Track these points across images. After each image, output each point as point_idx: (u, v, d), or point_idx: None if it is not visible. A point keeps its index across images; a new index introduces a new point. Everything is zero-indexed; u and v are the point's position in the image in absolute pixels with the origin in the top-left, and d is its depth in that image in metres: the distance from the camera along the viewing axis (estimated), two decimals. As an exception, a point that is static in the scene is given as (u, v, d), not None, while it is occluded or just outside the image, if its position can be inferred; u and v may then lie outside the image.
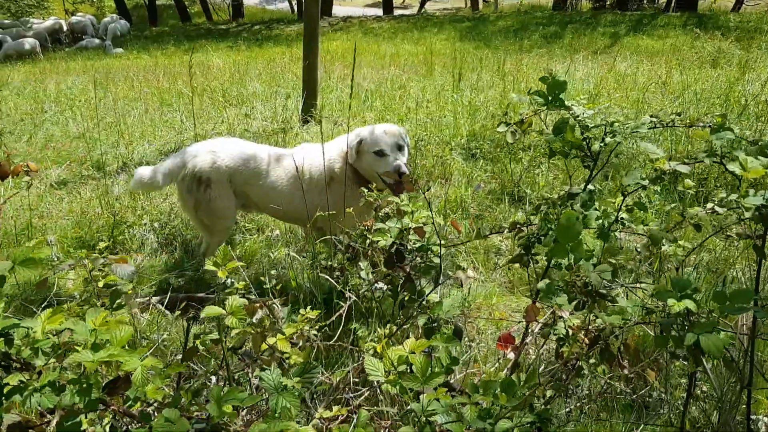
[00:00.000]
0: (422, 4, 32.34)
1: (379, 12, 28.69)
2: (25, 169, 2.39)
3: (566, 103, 2.20)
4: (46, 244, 4.73)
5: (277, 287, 2.98)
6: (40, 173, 6.71)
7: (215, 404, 1.61)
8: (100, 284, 2.19)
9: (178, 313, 3.54)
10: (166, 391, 2.03)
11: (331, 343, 2.58)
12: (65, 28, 22.16)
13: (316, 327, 2.27)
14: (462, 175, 5.81)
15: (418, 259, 2.36)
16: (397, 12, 29.41)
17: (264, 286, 2.99)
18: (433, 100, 8.69)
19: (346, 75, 11.36)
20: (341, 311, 2.61)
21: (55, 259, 4.67)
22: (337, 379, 2.26)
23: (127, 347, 1.67)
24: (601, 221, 1.93)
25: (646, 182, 1.89)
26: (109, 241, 4.83)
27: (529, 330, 2.20)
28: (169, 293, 3.86)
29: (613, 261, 1.90)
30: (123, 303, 2.13)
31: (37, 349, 1.60)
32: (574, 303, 1.87)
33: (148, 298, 3.91)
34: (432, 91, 9.33)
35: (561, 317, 2.03)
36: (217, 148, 4.00)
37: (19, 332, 1.61)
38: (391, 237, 2.34)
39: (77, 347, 1.62)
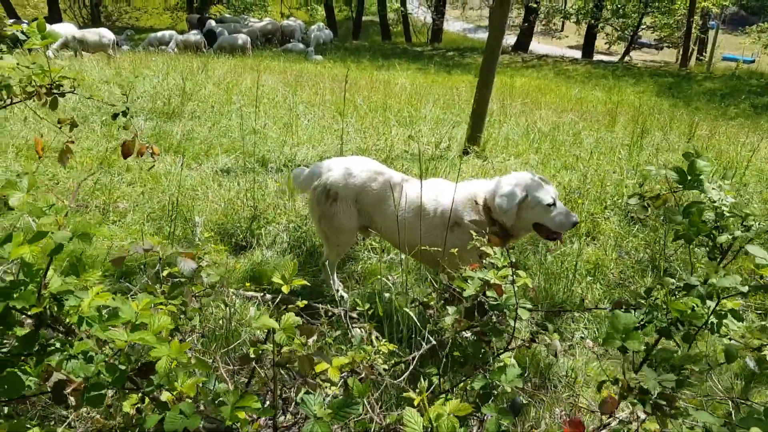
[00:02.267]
0: (626, 53, 31.00)
1: (580, 54, 27.94)
2: (150, 150, 2.51)
3: (706, 185, 1.91)
4: (192, 226, 5.03)
5: (370, 311, 2.92)
6: (210, 158, 7.25)
7: (229, 408, 1.57)
8: (165, 273, 2.24)
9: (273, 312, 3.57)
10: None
11: (397, 381, 2.45)
12: (278, 30, 23.97)
13: (390, 362, 2.15)
14: (611, 238, 5.39)
15: (493, 317, 2.16)
16: (597, 57, 28.44)
17: (358, 308, 2.94)
18: (605, 153, 8.21)
19: (522, 112, 11.12)
20: (417, 353, 2.47)
21: (197, 240, 4.98)
22: (387, 421, 2.12)
23: (163, 335, 1.68)
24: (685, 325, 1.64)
25: (745, 289, 1.58)
26: (245, 233, 5.06)
27: (603, 422, 1.92)
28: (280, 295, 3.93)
29: (694, 368, 1.61)
30: (182, 294, 2.15)
31: (83, 318, 1.64)
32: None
33: (261, 294, 4.03)
34: (607, 144, 8.82)
35: (638, 417, 1.75)
36: (351, 165, 4.03)
37: (71, 300, 1.66)
38: (472, 288, 2.17)
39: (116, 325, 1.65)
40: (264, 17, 28.65)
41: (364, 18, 32.87)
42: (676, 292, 1.99)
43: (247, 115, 9.48)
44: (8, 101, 2.23)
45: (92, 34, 15.81)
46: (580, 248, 4.90)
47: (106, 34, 15.78)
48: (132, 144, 2.43)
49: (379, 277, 4.42)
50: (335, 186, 3.98)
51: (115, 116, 2.50)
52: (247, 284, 4.15)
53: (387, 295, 4.08)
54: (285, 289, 2.01)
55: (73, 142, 2.32)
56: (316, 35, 22.84)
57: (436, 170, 6.87)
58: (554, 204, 3.59)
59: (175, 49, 20.14)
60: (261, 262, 4.62)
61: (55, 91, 2.30)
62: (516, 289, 2.13)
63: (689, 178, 1.93)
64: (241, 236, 5.04)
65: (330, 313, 3.81)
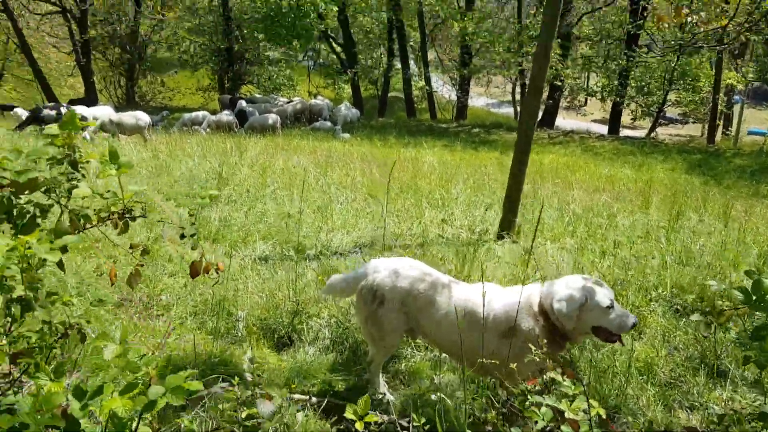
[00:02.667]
0: (652, 129, 31.11)
1: (605, 129, 28.18)
2: (215, 268, 2.54)
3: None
4: (235, 319, 5.03)
5: (426, 427, 2.84)
6: (248, 245, 7.32)
7: None
8: (243, 414, 2.21)
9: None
10: None
11: None
12: (306, 109, 24.62)
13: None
14: (658, 333, 5.26)
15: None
16: (624, 131, 28.63)
17: (414, 423, 2.87)
18: (642, 237, 8.13)
19: (554, 193, 11.14)
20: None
21: (239, 335, 4.97)
22: None
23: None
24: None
25: None
26: (288, 328, 5.04)
27: None
28: (326, 399, 3.88)
29: None
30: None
31: None
32: None
33: (308, 398, 3.97)
34: (643, 226, 8.76)
35: None
36: (399, 268, 4.03)
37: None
38: (542, 420, 2.11)
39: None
40: (293, 96, 29.52)
41: (390, 94, 33.65)
42: (751, 420, 1.91)
43: (281, 199, 9.63)
44: (84, 227, 2.28)
45: (129, 117, 16.36)
46: (631, 346, 4.79)
47: (143, 117, 16.31)
48: (199, 264, 2.46)
49: (425, 378, 4.35)
50: (382, 288, 3.97)
51: (182, 237, 2.55)
52: (293, 385, 4.10)
53: (434, 397, 4.00)
54: (359, 426, 1.97)
55: (142, 265, 2.35)
56: (343, 114, 23.40)
57: (473, 258, 6.85)
58: (612, 306, 3.55)
59: (208, 129, 20.72)
60: (305, 361, 4.57)
61: (127, 215, 2.36)
62: (592, 422, 2.07)
63: (755, 298, 1.89)
64: (284, 331, 5.02)
65: (379, 421, 3.73)
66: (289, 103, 24.93)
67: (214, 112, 23.57)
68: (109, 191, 2.37)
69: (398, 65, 30.65)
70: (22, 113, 18.57)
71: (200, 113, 22.03)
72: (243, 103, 23.60)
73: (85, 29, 29.29)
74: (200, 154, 13.71)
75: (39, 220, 2.16)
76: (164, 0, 28.78)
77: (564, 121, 30.35)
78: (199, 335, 4.95)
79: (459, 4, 29.44)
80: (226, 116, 21.67)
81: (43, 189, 2.16)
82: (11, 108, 21.77)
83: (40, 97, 32.92)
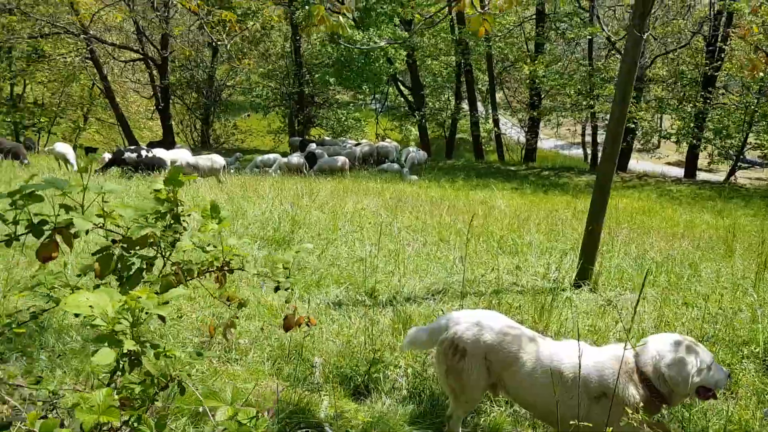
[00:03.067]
0: (732, 172, 29.84)
1: (680, 171, 27.31)
2: (306, 321, 2.54)
3: None
4: (312, 366, 5.04)
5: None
6: (321, 289, 7.35)
7: None
8: None
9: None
10: None
11: None
12: (374, 152, 24.94)
13: None
14: (752, 393, 4.96)
15: None
16: (701, 175, 27.67)
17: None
18: (728, 288, 7.76)
19: (631, 239, 10.81)
20: None
21: (316, 382, 4.96)
22: None
23: None
24: None
25: None
26: (364, 377, 4.99)
27: None
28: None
29: None
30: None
31: None
32: None
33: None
34: (728, 277, 8.36)
35: None
36: (482, 320, 3.94)
37: None
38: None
39: None
40: (361, 139, 30.00)
41: (457, 135, 33.75)
42: None
43: (353, 242, 9.68)
44: (187, 280, 2.32)
45: (205, 159, 16.92)
46: (726, 407, 4.53)
47: (218, 160, 16.85)
48: (293, 318, 2.47)
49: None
50: (463, 341, 3.88)
51: (276, 289, 2.57)
52: (371, 438, 4.05)
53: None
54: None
55: (237, 317, 2.37)
56: (411, 156, 23.56)
57: (550, 308, 6.67)
58: (710, 367, 3.40)
59: (278, 172, 21.22)
60: (384, 412, 4.51)
61: (225, 268, 2.39)
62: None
63: None
64: (360, 380, 4.98)
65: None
66: (357, 145, 25.31)
67: (284, 154, 24.16)
68: (209, 244, 2.41)
69: (466, 107, 30.78)
70: (106, 156, 19.50)
71: (271, 156, 22.61)
72: (313, 145, 24.11)
73: (165, 75, 30.70)
74: (272, 196, 14.01)
75: (144, 273, 2.22)
76: (240, 48, 29.98)
77: (637, 163, 29.59)
78: (276, 381, 4.97)
79: (528, 47, 29.48)
80: (296, 158, 22.15)
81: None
82: (95, 150, 22.91)
83: (121, 140, 34.61)
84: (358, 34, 22.83)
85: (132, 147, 20.91)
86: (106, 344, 1.70)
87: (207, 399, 1.52)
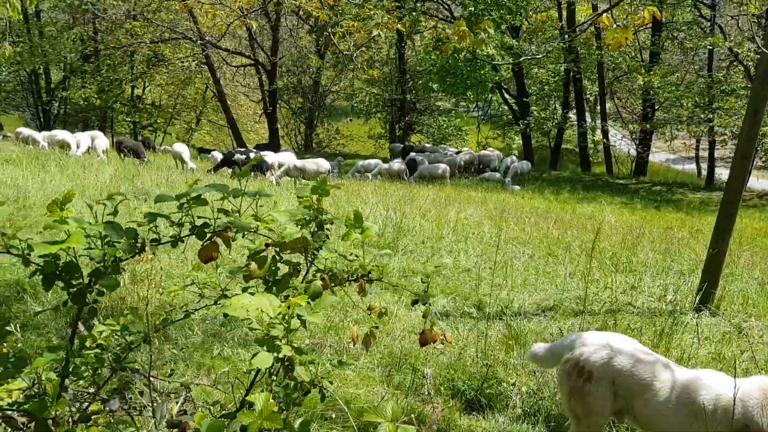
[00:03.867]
0: None
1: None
2: (441, 339, 2.50)
3: None
4: (423, 376, 5.00)
5: None
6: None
7: None
8: None
9: None
10: None
11: None
12: (475, 160, 24.69)
13: None
14: None
15: None
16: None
17: None
18: None
19: (754, 263, 10.11)
20: None
21: (427, 393, 4.90)
22: None
23: None
24: None
25: None
26: (476, 392, 4.89)
27: None
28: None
29: None
30: None
31: None
32: None
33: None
34: None
35: None
36: (612, 343, 3.75)
37: None
38: None
39: None
40: (462, 147, 29.83)
41: (563, 145, 32.88)
42: None
43: (457, 252, 9.58)
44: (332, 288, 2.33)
45: (311, 163, 17.31)
46: None
47: (324, 164, 17.19)
48: (429, 333, 2.43)
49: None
50: (590, 364, 3.70)
51: (414, 302, 2.53)
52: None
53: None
54: None
55: (377, 327, 2.35)
56: (514, 166, 23.15)
57: (671, 332, 6.31)
58: None
59: (379, 177, 21.42)
60: (498, 430, 4.39)
61: (365, 277, 2.38)
62: None
63: None
64: (472, 395, 4.88)
65: None
66: (458, 153, 25.15)
67: (385, 160, 24.36)
68: (351, 253, 2.41)
69: (573, 117, 29.93)
70: (218, 156, 20.35)
71: (373, 161, 22.85)
72: (413, 153, 24.18)
73: (273, 80, 31.73)
74: (375, 201, 14.13)
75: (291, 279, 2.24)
76: (347, 60, 30.50)
77: (758, 182, 27.71)
78: (387, 388, 4.95)
79: (642, 56, 28.30)
80: (397, 165, 22.27)
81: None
82: (209, 152, 23.97)
83: (230, 141, 36.07)
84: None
85: (242, 149, 21.74)
86: (265, 348, 1.72)
87: (367, 414, 1.50)
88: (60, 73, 37.34)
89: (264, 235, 2.19)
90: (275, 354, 1.72)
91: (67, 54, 33.45)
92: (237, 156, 19.12)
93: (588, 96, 32.09)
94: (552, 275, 8.56)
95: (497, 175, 22.68)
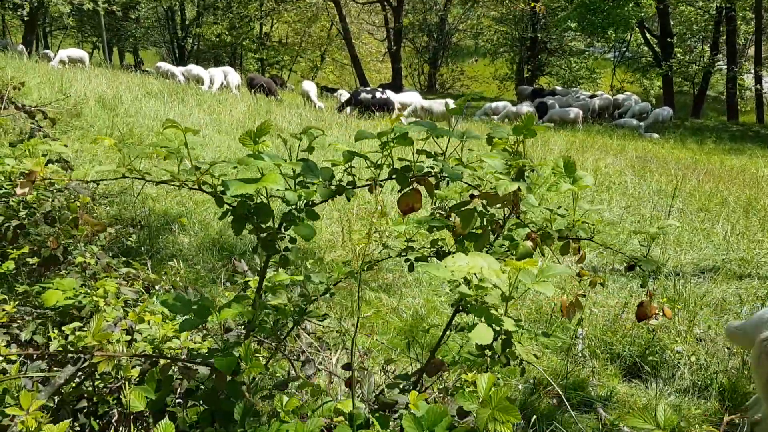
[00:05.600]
0: None
1: None
2: (661, 312, 2.14)
3: None
4: (575, 336, 4.65)
5: None
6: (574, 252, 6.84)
7: None
8: None
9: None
10: None
11: None
12: (610, 105, 23.20)
13: None
14: None
15: None
16: None
17: None
18: None
19: None
20: None
21: (580, 355, 4.55)
22: None
23: None
24: None
25: None
26: (637, 359, 4.49)
27: None
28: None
29: None
30: None
31: None
32: None
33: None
34: None
35: None
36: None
37: None
38: None
39: None
40: (596, 90, 28.09)
41: (709, 92, 30.30)
42: None
43: (601, 202, 8.98)
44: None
45: (439, 104, 16.87)
46: None
47: (452, 105, 16.69)
48: (648, 305, 2.08)
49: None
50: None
51: (629, 268, 2.18)
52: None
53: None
54: None
55: (584, 295, 2.03)
56: (656, 113, 21.50)
57: None
58: None
59: (506, 120, 20.65)
60: (662, 401, 3.99)
61: (571, 237, 2.04)
62: None
63: None
64: (632, 361, 4.48)
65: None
66: (592, 97, 23.68)
67: (512, 103, 23.43)
68: (560, 207, 2.08)
69: (721, 61, 27.29)
70: (345, 95, 20.31)
71: (501, 103, 22.02)
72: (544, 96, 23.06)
73: (399, 18, 31.10)
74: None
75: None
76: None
77: None
78: (536, 346, 4.65)
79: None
80: (526, 107, 21.33)
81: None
82: (335, 91, 24.00)
83: (353, 80, 36.07)
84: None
85: (367, 88, 21.56)
86: (482, 319, 1.45)
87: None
88: (194, 10, 38.52)
89: (468, 183, 1.91)
90: (497, 327, 1.45)
91: (201, -10, 34.39)
92: (363, 95, 18.95)
93: (739, 39, 29.05)
94: (709, 233, 7.81)
95: (634, 121, 21.21)
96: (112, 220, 5.29)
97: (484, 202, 1.86)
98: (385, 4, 32.37)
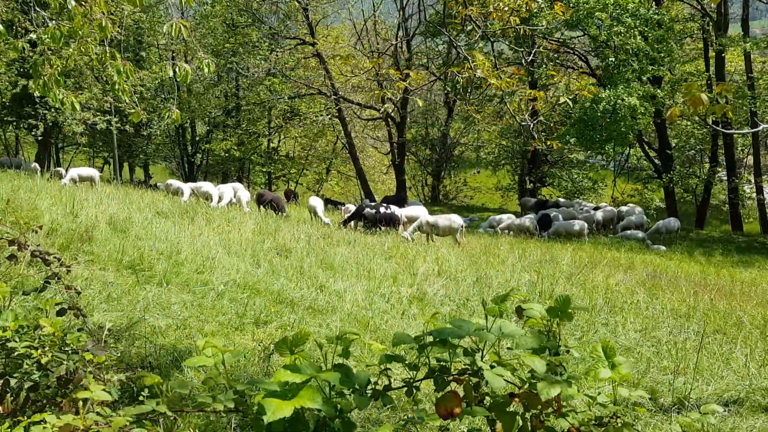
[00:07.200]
0: None
1: None
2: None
3: None
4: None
5: None
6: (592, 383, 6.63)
7: None
8: None
9: None
10: None
11: None
12: (614, 217, 23.41)
13: None
14: None
15: None
16: None
17: None
18: None
19: None
20: None
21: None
22: None
23: None
24: None
25: None
26: None
27: None
28: None
29: None
30: None
31: None
32: None
33: None
34: None
35: None
36: None
37: None
38: None
39: None
40: (599, 201, 28.49)
41: (712, 201, 30.58)
42: None
43: (614, 326, 8.81)
44: None
45: (444, 219, 17.02)
46: None
47: (456, 220, 16.84)
48: None
49: None
50: None
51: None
52: None
53: None
54: None
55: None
56: (662, 224, 21.65)
57: None
58: None
59: (507, 232, 20.82)
60: None
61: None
62: None
63: None
64: None
65: None
66: (596, 209, 23.95)
67: (516, 214, 23.69)
68: (599, 393, 1.99)
69: (721, 172, 27.79)
70: (352, 209, 20.60)
71: (505, 216, 22.27)
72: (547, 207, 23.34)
73: (402, 132, 32.07)
74: (512, 262, 13.55)
75: None
76: (478, 109, 30.33)
77: None
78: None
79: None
80: (528, 220, 21.55)
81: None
82: (342, 204, 24.36)
83: (358, 191, 36.71)
84: (603, 91, 21.81)
85: (372, 203, 21.89)
86: None
87: None
88: (204, 127, 39.85)
89: (508, 381, 1.83)
90: None
91: (211, 109, 35.65)
92: (367, 210, 19.18)
93: (739, 149, 29.75)
94: (730, 361, 7.61)
95: (639, 233, 21.30)
96: (121, 365, 5.18)
97: (526, 402, 1.79)
98: (389, 120, 33.50)
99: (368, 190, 33.19)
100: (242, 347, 6.28)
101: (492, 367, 1.73)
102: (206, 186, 20.84)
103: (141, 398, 4.45)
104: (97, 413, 2.83)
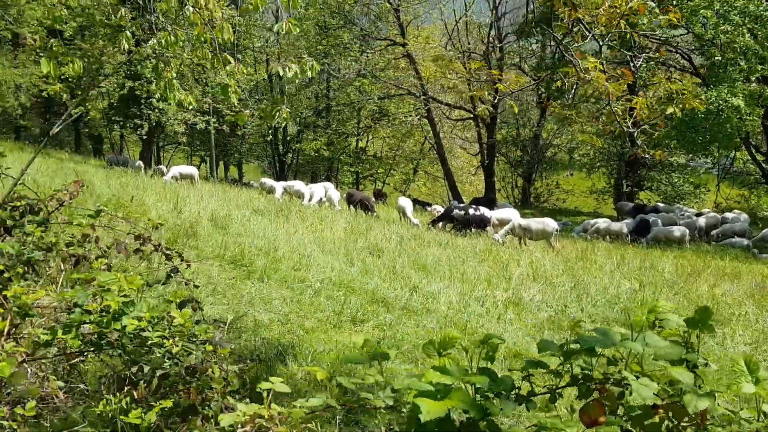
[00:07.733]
0: None
1: None
2: None
3: None
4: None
5: None
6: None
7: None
8: None
9: None
10: None
11: None
12: (719, 223, 22.27)
13: None
14: None
15: None
16: None
17: None
18: None
19: None
20: None
21: None
22: None
23: None
24: None
25: None
26: None
27: None
28: None
29: None
30: None
31: None
32: None
33: None
34: None
35: None
36: None
37: None
38: None
39: None
40: (700, 207, 27.17)
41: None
42: None
43: (721, 337, 8.37)
44: None
45: (537, 223, 16.69)
46: None
47: (551, 224, 16.48)
48: None
49: None
50: None
51: None
52: None
53: None
54: None
55: None
56: (765, 232, 20.40)
57: None
58: None
59: (596, 236, 20.21)
60: None
61: None
62: None
63: None
64: None
65: None
66: (699, 215, 22.84)
67: (611, 218, 22.94)
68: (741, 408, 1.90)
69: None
70: (440, 210, 20.56)
71: (601, 220, 21.60)
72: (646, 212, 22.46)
73: (492, 133, 31.71)
74: (610, 269, 13.12)
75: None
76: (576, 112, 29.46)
77: None
78: None
79: None
80: (619, 225, 20.83)
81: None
82: (429, 205, 24.37)
83: (446, 192, 36.58)
84: (707, 91, 20.76)
85: (460, 205, 21.75)
86: None
87: None
88: (295, 127, 40.83)
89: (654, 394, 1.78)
90: None
91: (303, 110, 36.48)
92: (456, 212, 19.07)
93: None
94: None
95: (744, 241, 20.15)
96: (233, 357, 5.37)
97: (670, 414, 1.72)
98: (479, 120, 33.18)
99: (456, 191, 33.01)
100: (341, 345, 6.39)
101: (636, 377, 1.69)
102: (298, 185, 21.35)
103: (257, 389, 4.62)
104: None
